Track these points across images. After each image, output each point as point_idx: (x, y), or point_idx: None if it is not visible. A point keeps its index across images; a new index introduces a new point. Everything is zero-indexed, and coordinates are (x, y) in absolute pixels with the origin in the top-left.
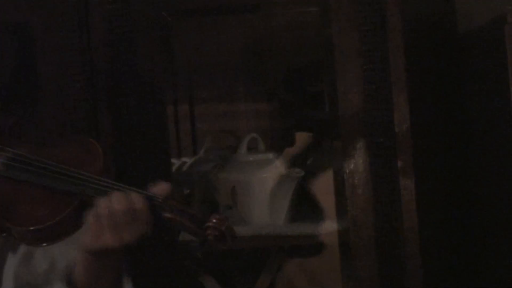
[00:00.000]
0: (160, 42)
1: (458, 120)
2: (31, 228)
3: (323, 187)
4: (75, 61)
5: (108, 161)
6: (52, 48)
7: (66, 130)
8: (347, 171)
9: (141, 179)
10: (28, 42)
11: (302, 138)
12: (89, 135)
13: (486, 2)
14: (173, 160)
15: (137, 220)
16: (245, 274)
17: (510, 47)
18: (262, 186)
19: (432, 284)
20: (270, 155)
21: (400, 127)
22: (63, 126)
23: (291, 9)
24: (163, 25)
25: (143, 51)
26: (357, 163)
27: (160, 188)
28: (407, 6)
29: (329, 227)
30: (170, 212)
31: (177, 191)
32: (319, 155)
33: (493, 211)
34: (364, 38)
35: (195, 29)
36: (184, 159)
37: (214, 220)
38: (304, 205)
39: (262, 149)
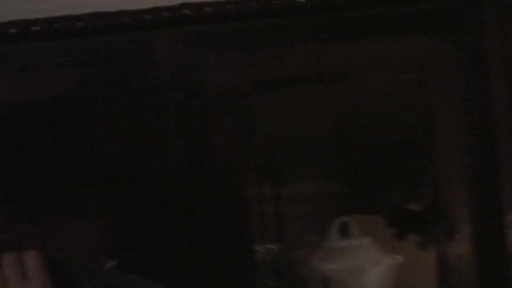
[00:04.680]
0: (238, 115)
1: None
2: None
3: (424, 275)
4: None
5: None
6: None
7: None
8: (452, 257)
9: (221, 268)
10: None
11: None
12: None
13: None
14: (257, 247)
15: None
16: None
17: None
18: (356, 276)
19: None
20: (364, 240)
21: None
22: None
23: (385, 78)
24: (241, 97)
25: (219, 126)
26: (462, 249)
27: None
28: None
29: None
30: None
31: (261, 281)
32: (420, 238)
33: None
34: (467, 109)
35: (277, 101)
36: (269, 245)
37: None
38: None
39: (355, 233)
